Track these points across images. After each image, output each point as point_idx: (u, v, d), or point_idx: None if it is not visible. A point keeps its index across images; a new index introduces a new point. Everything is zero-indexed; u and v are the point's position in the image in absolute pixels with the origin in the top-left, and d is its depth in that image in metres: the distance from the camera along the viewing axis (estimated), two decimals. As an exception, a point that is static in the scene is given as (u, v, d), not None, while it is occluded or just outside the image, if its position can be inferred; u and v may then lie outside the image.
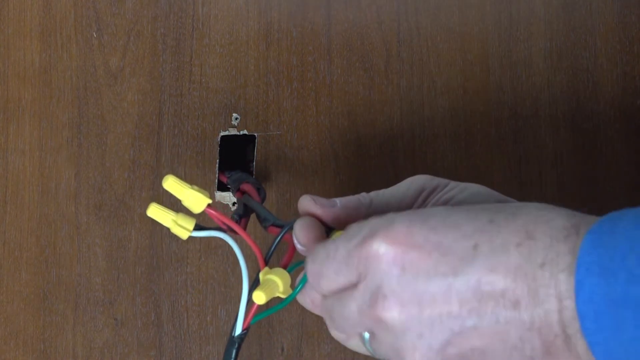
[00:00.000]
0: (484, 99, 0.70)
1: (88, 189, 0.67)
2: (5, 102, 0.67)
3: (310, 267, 0.47)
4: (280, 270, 0.49)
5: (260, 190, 0.60)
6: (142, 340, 0.66)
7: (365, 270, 0.44)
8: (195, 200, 0.50)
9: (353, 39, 0.69)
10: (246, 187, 0.60)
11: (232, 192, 0.63)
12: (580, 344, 0.41)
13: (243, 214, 0.56)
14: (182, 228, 0.50)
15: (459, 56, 0.70)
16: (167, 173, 0.67)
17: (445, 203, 0.49)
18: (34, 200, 0.67)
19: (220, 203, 0.67)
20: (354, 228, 0.45)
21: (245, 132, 0.68)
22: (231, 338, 0.50)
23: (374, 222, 0.45)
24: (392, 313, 0.43)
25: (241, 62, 0.68)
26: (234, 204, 0.67)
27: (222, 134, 0.68)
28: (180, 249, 0.67)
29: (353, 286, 0.45)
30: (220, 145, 0.67)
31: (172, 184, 0.50)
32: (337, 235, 0.48)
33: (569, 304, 0.40)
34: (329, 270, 0.45)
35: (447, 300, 0.42)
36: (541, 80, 0.70)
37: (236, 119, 0.68)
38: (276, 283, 0.49)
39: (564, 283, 0.40)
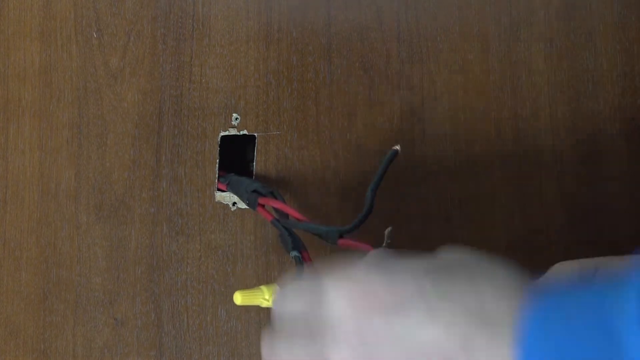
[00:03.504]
0: (484, 99, 0.70)
1: (88, 189, 0.67)
2: (5, 102, 0.67)
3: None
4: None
5: (277, 196, 0.58)
6: (142, 340, 0.66)
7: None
8: (269, 294, 0.50)
9: (353, 39, 0.69)
10: (271, 202, 0.58)
11: (244, 202, 0.62)
12: None
13: (296, 243, 0.53)
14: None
15: (459, 56, 0.70)
16: (167, 173, 0.67)
17: None
18: (34, 200, 0.67)
19: (220, 203, 0.67)
20: None
21: (245, 132, 0.68)
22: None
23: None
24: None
25: (241, 62, 0.68)
26: (234, 203, 0.67)
27: (222, 134, 0.67)
28: (180, 249, 0.67)
29: None
30: (220, 146, 0.67)
31: (244, 299, 0.50)
32: None
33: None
34: None
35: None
36: (541, 80, 0.70)
37: (236, 119, 0.68)
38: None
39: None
